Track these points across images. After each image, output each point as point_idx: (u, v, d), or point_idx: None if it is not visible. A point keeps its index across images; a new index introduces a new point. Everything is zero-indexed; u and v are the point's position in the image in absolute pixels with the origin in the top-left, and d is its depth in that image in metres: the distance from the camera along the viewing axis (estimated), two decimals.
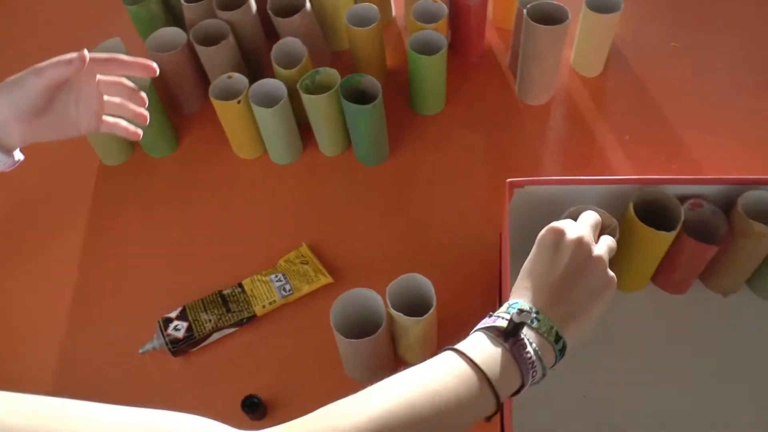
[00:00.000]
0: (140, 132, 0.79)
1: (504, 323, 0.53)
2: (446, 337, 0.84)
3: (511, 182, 0.75)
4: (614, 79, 1.12)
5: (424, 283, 0.75)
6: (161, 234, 0.99)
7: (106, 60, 0.69)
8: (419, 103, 1.07)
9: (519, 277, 0.59)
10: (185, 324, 0.87)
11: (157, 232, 1.00)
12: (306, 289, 0.89)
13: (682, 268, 0.80)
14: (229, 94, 0.95)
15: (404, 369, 0.52)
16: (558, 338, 0.54)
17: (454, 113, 1.08)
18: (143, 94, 0.76)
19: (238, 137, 1.02)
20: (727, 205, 0.77)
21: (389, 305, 0.74)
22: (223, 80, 0.96)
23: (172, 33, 1.02)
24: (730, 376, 0.81)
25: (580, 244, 0.57)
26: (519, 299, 0.56)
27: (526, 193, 0.77)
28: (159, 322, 0.87)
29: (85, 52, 0.66)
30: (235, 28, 1.01)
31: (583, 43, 1.09)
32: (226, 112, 0.96)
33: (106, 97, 0.73)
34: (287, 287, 0.89)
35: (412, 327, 0.74)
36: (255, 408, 0.80)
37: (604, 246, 0.60)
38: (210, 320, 0.87)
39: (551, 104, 1.09)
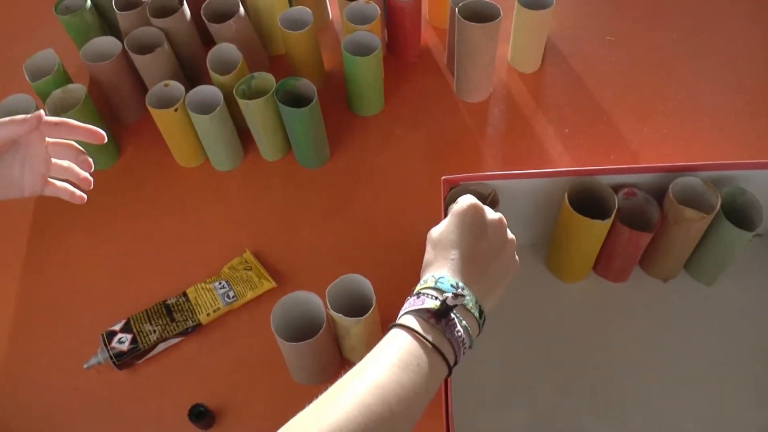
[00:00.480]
0: (85, 197, 0.78)
1: (434, 303, 0.54)
2: None
3: (446, 179, 0.77)
4: (552, 74, 1.15)
5: (363, 283, 0.76)
6: (104, 246, 0.98)
7: (56, 123, 0.68)
8: (358, 105, 1.08)
9: (435, 245, 0.61)
10: (129, 336, 0.86)
11: (100, 244, 0.99)
12: (250, 295, 0.90)
13: (620, 256, 0.83)
14: (166, 102, 0.95)
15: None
16: (481, 312, 0.57)
17: (394, 113, 1.10)
18: (89, 159, 0.74)
19: (179, 145, 1.02)
20: (660, 193, 0.79)
21: (329, 306, 0.74)
22: (159, 88, 0.95)
23: (106, 42, 1.02)
24: (672, 359, 0.83)
25: (501, 225, 0.62)
26: (444, 272, 0.58)
27: (463, 190, 0.78)
28: (103, 335, 0.86)
29: (42, 112, 0.66)
30: (170, 35, 1.01)
31: (518, 40, 1.11)
32: (164, 120, 0.96)
33: (53, 160, 0.73)
34: (231, 294, 0.89)
35: (353, 327, 0.75)
36: (202, 417, 0.79)
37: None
38: (155, 331, 0.86)
39: (490, 101, 1.11)
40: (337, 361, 0.84)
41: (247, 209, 1.01)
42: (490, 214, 0.62)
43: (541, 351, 0.84)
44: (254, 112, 0.96)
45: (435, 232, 0.62)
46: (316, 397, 0.51)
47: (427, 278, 0.58)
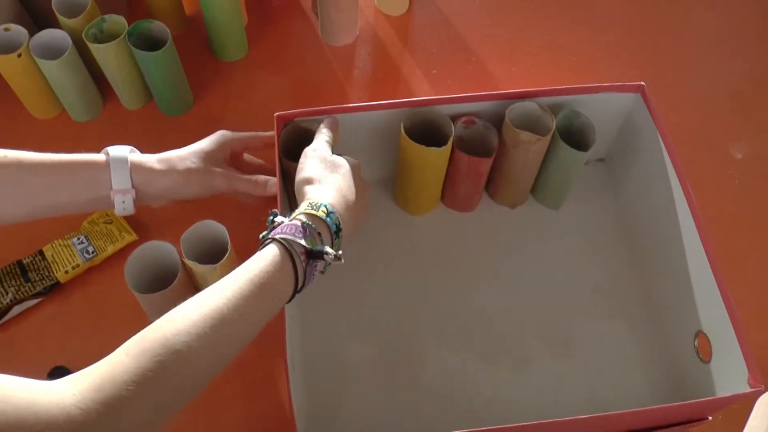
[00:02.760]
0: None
1: (310, 243, 0.64)
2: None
3: (279, 116, 0.81)
4: (420, 16, 1.20)
5: (218, 229, 0.79)
6: None
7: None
8: (220, 50, 1.11)
9: (316, 179, 0.72)
10: None
11: None
12: (110, 249, 0.91)
13: (464, 184, 0.89)
14: (8, 48, 0.95)
15: None
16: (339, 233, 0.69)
17: (258, 58, 1.13)
18: None
19: (28, 95, 1.03)
20: (500, 122, 0.85)
21: (183, 254, 0.77)
22: None
23: None
24: (519, 283, 0.90)
25: (359, 169, 0.76)
26: (324, 200, 0.69)
27: (296, 126, 0.82)
28: None
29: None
30: None
31: None
32: (7, 67, 0.97)
33: None
34: (90, 249, 0.90)
35: (209, 275, 0.77)
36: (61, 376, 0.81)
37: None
38: (8, 292, 0.87)
39: (357, 44, 1.16)
40: None
41: None
42: (353, 162, 0.77)
43: (391, 284, 0.90)
44: (107, 57, 0.97)
45: (329, 155, 0.76)
46: None
47: (318, 204, 0.67)
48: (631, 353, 0.85)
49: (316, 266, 0.66)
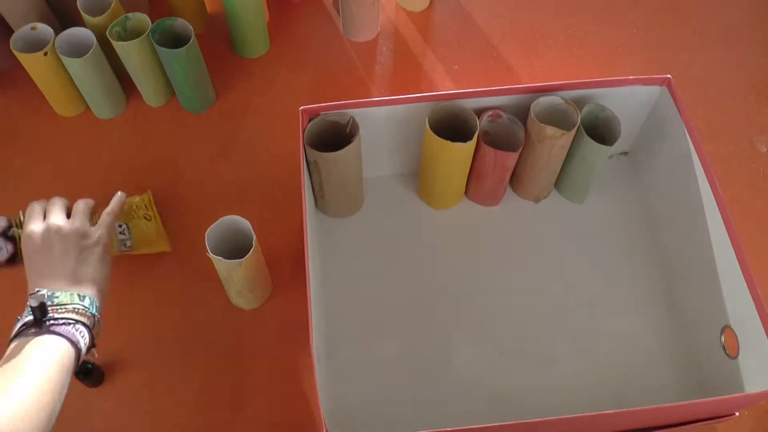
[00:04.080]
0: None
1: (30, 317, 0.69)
2: (282, 279, 0.91)
3: (304, 109, 0.82)
4: (441, 12, 1.20)
5: (243, 224, 0.79)
6: None
7: None
8: (242, 47, 1.12)
9: (30, 281, 0.75)
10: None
11: None
12: (145, 250, 0.93)
13: (489, 178, 0.89)
14: (35, 47, 0.97)
15: None
16: (83, 297, 0.73)
17: (280, 55, 1.14)
18: None
19: (54, 93, 1.04)
20: (525, 115, 0.86)
21: (209, 249, 0.77)
22: (26, 31, 0.97)
23: None
24: (544, 277, 0.90)
25: (56, 230, 0.77)
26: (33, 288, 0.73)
27: (321, 119, 0.83)
28: None
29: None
30: None
31: None
32: (34, 65, 0.98)
33: None
34: (128, 243, 0.91)
35: (234, 270, 0.78)
36: (90, 374, 0.82)
37: (77, 217, 0.79)
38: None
39: (378, 40, 1.16)
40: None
41: (132, 157, 1.04)
42: (39, 228, 0.77)
43: (415, 279, 0.90)
44: (131, 54, 0.99)
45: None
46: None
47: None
48: (655, 348, 0.85)
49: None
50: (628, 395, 0.82)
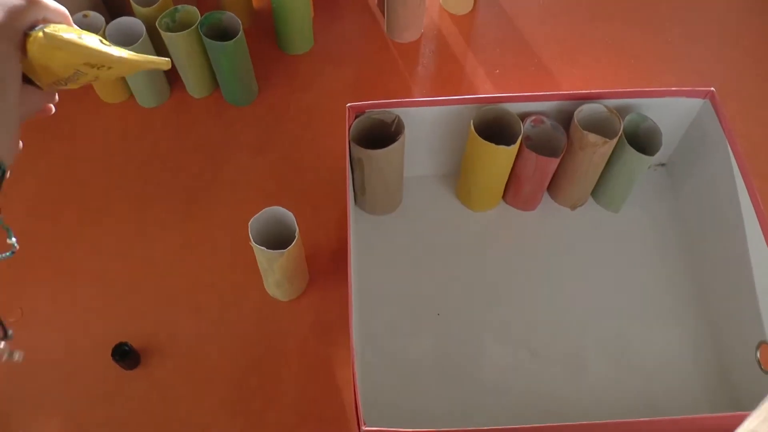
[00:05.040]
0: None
1: None
2: (318, 272, 0.93)
3: (351, 106, 0.83)
4: (484, 16, 1.21)
5: (286, 215, 0.81)
6: (18, 186, 1.02)
7: None
8: (286, 43, 1.13)
9: None
10: None
11: (12, 184, 1.02)
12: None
13: (528, 182, 0.90)
14: None
15: None
16: None
17: (323, 52, 1.16)
18: None
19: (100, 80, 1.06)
20: (568, 121, 0.87)
21: (251, 238, 0.79)
22: (78, 19, 1.00)
23: None
24: (579, 285, 0.91)
25: None
26: None
27: (367, 117, 0.85)
28: None
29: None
30: None
31: None
32: None
33: None
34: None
35: (276, 260, 0.80)
36: (126, 356, 0.84)
37: None
38: None
39: (421, 41, 1.18)
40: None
41: (173, 146, 1.06)
42: None
43: (449, 279, 0.92)
44: (178, 45, 1.01)
45: None
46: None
47: None
48: (688, 361, 0.86)
49: None
50: (659, 404, 0.83)
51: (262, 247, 0.79)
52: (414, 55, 1.16)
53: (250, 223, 0.80)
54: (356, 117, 0.84)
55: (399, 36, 1.16)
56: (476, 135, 0.83)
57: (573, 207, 0.96)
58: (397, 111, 0.85)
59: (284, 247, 0.79)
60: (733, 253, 0.83)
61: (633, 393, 0.84)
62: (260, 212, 0.81)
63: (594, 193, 0.96)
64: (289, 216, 0.81)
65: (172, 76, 1.10)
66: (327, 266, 0.93)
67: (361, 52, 1.16)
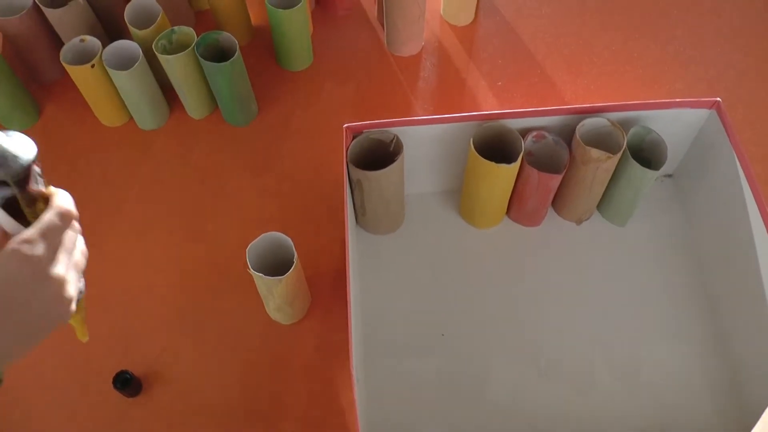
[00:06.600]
0: None
1: None
2: (320, 294, 0.92)
3: (348, 127, 0.83)
4: (485, 27, 1.21)
5: (284, 241, 0.80)
6: None
7: None
8: (286, 59, 1.13)
9: None
10: None
11: None
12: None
13: (532, 199, 0.89)
14: (83, 58, 1.00)
15: None
16: None
17: (323, 68, 1.15)
18: None
19: (100, 103, 1.07)
20: (570, 136, 0.86)
21: (249, 266, 0.78)
22: (75, 44, 1.00)
23: None
24: (585, 300, 0.90)
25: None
26: None
27: (365, 137, 0.84)
28: None
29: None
30: None
31: None
32: (81, 77, 1.01)
33: None
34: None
35: (275, 287, 0.80)
36: (127, 384, 0.84)
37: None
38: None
39: (422, 54, 1.17)
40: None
41: (173, 168, 1.06)
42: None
43: (454, 298, 0.91)
44: (175, 67, 1.01)
45: None
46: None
47: None
48: (698, 377, 0.85)
49: None
50: (668, 424, 0.81)
51: (260, 274, 0.78)
52: (415, 68, 1.16)
53: (248, 249, 0.79)
54: (354, 137, 0.84)
55: (399, 50, 1.16)
56: (476, 153, 0.82)
57: (579, 222, 0.95)
58: (395, 130, 0.84)
59: (284, 272, 0.78)
60: (743, 265, 0.82)
61: (643, 412, 0.82)
62: (258, 238, 0.80)
63: (600, 207, 0.95)
64: (287, 241, 0.80)
65: (171, 97, 1.10)
66: (329, 288, 0.92)
67: (362, 67, 1.16)
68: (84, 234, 0.97)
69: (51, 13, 1.02)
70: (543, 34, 1.19)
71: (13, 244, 0.50)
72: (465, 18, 1.20)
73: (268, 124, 1.09)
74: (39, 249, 0.52)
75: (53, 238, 0.54)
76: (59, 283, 0.55)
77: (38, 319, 0.56)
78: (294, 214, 1.00)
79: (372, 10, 1.22)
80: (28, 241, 0.51)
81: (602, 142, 0.84)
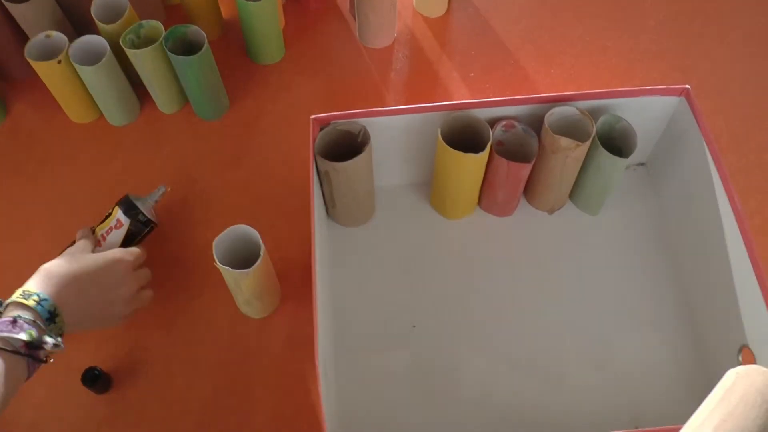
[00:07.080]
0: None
1: (24, 335, 0.66)
2: (291, 287, 0.91)
3: (315, 118, 0.82)
4: (458, 18, 1.20)
5: (251, 234, 0.80)
6: None
7: None
8: (257, 53, 1.12)
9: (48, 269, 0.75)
10: None
11: None
12: None
13: (502, 189, 0.88)
14: (50, 54, 0.98)
15: None
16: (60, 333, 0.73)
17: (295, 61, 1.14)
18: None
19: (68, 100, 1.05)
20: (540, 124, 0.85)
21: (216, 259, 0.78)
22: (40, 40, 0.98)
23: None
24: (561, 290, 0.90)
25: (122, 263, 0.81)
26: (38, 289, 0.72)
27: (332, 128, 0.83)
28: None
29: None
30: None
31: None
32: (48, 73, 0.99)
33: None
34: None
35: (242, 279, 0.79)
36: (96, 380, 0.83)
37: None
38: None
39: (394, 46, 1.16)
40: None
41: (144, 164, 1.05)
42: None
43: (426, 290, 0.90)
44: (144, 62, 0.99)
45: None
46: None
47: (30, 293, 0.71)
48: (671, 366, 0.84)
49: (38, 354, 0.69)
50: (642, 413, 0.81)
51: (227, 267, 0.77)
52: (387, 60, 1.15)
53: (214, 242, 0.78)
54: (321, 129, 0.83)
55: (371, 42, 1.15)
56: (444, 144, 0.82)
57: (551, 211, 0.95)
58: (363, 121, 0.83)
59: (251, 265, 0.77)
60: (713, 254, 0.81)
61: (615, 401, 0.82)
62: (224, 231, 0.79)
63: (572, 196, 0.94)
64: (254, 234, 0.79)
65: (141, 92, 1.08)
66: (299, 281, 0.92)
67: (334, 60, 1.15)
68: (53, 231, 0.97)
69: (15, 9, 1.00)
70: (516, 25, 1.19)
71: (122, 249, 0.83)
72: (438, 9, 1.19)
73: (239, 118, 1.08)
74: (134, 259, 0.83)
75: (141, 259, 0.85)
76: (129, 289, 0.81)
77: (106, 306, 0.78)
78: (265, 208, 0.99)
79: (344, 3, 1.21)
80: (132, 253, 0.83)
81: (571, 130, 0.84)
